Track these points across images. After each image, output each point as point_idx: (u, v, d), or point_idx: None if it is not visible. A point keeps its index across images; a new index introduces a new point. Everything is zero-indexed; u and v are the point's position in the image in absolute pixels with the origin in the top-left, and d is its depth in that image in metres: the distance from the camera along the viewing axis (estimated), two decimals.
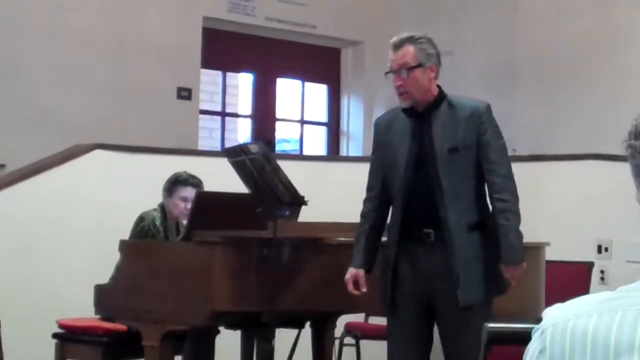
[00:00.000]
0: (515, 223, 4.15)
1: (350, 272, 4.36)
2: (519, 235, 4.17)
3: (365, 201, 4.40)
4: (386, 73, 4.26)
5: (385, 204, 4.34)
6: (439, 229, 4.12)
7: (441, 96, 4.23)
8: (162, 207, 5.63)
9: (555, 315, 1.18)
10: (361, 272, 4.34)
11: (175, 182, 5.59)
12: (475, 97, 4.41)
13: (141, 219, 5.53)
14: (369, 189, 4.41)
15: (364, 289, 4.33)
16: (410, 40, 4.21)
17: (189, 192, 5.55)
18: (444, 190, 4.11)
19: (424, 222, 4.16)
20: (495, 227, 4.16)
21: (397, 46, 4.21)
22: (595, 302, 1.16)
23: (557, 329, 1.16)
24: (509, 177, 4.18)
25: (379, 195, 4.34)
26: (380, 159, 4.36)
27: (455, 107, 4.19)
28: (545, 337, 1.17)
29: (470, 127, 4.15)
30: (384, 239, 4.39)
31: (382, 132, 4.37)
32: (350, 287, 4.34)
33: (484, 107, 4.19)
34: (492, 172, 4.15)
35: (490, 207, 4.21)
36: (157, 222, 5.53)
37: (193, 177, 5.62)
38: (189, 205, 5.55)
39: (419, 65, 4.17)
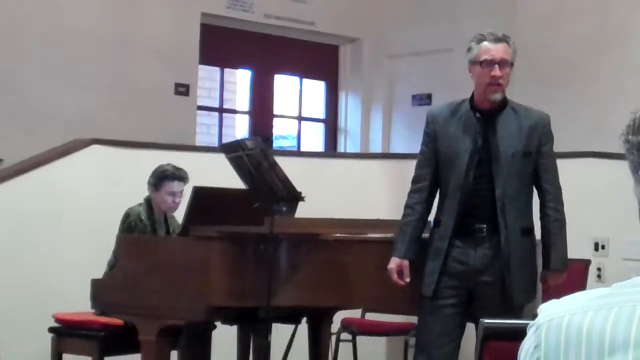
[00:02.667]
0: (565, 233, 4.33)
1: (395, 262, 4.38)
2: (566, 245, 4.34)
3: (412, 192, 4.43)
4: (483, 62, 4.25)
5: (433, 197, 4.40)
6: (492, 225, 4.21)
7: (505, 100, 4.33)
8: (148, 201, 5.63)
9: (551, 311, 1.18)
10: (406, 262, 4.37)
11: (163, 177, 5.59)
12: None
13: (127, 215, 5.55)
14: (417, 180, 4.43)
15: (408, 279, 4.36)
16: (506, 39, 4.31)
17: (177, 187, 5.57)
18: (504, 191, 4.20)
19: (478, 218, 4.25)
20: (545, 234, 4.32)
21: (499, 40, 4.30)
22: (591, 298, 1.16)
23: (552, 325, 1.16)
24: (561, 189, 4.37)
25: (428, 187, 4.39)
26: (433, 151, 4.38)
27: (520, 114, 4.32)
28: (540, 333, 1.17)
29: (533, 135, 4.29)
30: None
31: (440, 125, 4.37)
32: (395, 277, 4.37)
33: (547, 119, 4.38)
34: (549, 181, 4.33)
35: (540, 214, 4.35)
36: (143, 217, 5.55)
37: (179, 169, 5.64)
38: (177, 199, 5.58)
39: (512, 64, 4.30)
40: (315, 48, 9.65)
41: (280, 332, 4.98)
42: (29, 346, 5.83)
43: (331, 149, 9.69)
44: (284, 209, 4.69)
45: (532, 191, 4.37)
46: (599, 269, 6.32)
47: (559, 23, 8.33)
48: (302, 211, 4.93)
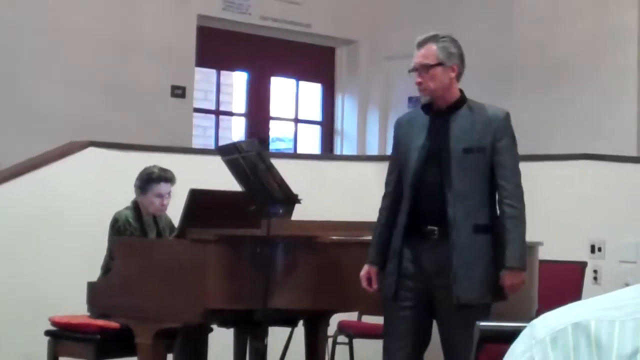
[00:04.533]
0: (523, 231, 4.21)
1: (364, 269, 4.39)
2: (524, 243, 4.23)
3: (383, 198, 4.45)
4: (409, 71, 4.32)
5: (399, 201, 4.37)
6: (444, 227, 4.16)
7: (462, 99, 4.31)
8: (135, 204, 5.62)
9: (550, 324, 1.15)
10: (374, 269, 4.37)
11: (149, 180, 5.58)
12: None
13: (115, 220, 5.54)
14: (386, 185, 4.46)
15: (375, 286, 4.36)
16: (434, 39, 4.29)
17: (164, 188, 5.56)
18: (454, 188, 4.16)
19: (430, 219, 4.21)
20: (500, 231, 4.20)
21: (421, 44, 4.30)
22: (592, 310, 1.14)
23: (559, 337, 1.13)
24: (520, 185, 4.26)
25: (393, 192, 4.39)
26: (397, 156, 4.39)
27: (475, 111, 4.28)
28: (545, 348, 1.14)
29: (487, 131, 4.22)
30: None
31: (402, 129, 4.41)
32: (364, 284, 4.37)
33: (503, 115, 4.29)
34: (504, 178, 4.23)
35: (498, 212, 4.26)
36: (131, 220, 5.53)
37: (165, 171, 5.62)
38: (164, 201, 5.57)
39: (440, 64, 4.25)
40: (312, 50, 9.65)
41: (276, 335, 4.97)
42: (25, 349, 5.82)
43: (328, 151, 9.68)
44: (281, 211, 4.69)
45: (489, 189, 4.26)
46: (595, 272, 6.32)
47: (555, 24, 8.33)
48: (299, 213, 4.93)
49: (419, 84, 4.26)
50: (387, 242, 4.37)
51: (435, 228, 4.18)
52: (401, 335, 4.25)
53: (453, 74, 4.28)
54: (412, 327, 4.24)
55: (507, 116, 4.28)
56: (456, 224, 4.14)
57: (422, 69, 4.25)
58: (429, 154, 4.23)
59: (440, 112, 4.28)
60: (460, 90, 4.33)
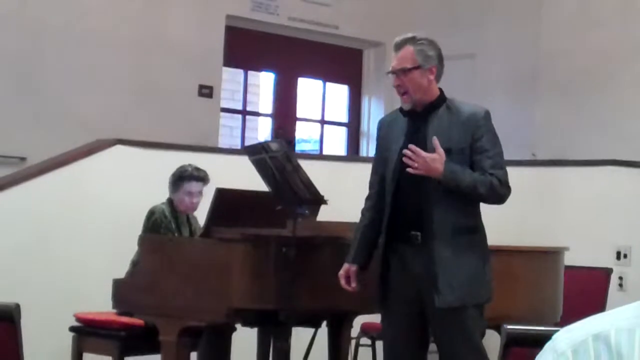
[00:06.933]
0: (484, 188, 4.06)
1: (344, 268, 4.36)
2: (469, 185, 4.05)
3: (366, 199, 4.43)
4: (387, 73, 4.32)
5: (382, 203, 4.31)
6: (426, 231, 4.10)
7: (441, 99, 4.25)
8: (170, 201, 5.66)
9: (571, 336, 1.15)
10: (353, 267, 4.34)
11: (181, 177, 5.62)
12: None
13: (152, 212, 5.57)
14: (369, 187, 4.43)
15: (354, 285, 4.33)
16: (411, 41, 4.26)
17: (194, 187, 5.59)
18: (433, 189, 4.09)
19: (411, 222, 4.15)
20: (484, 234, 4.17)
21: (398, 46, 4.28)
22: (613, 320, 1.14)
23: (579, 350, 1.13)
24: (506, 184, 4.13)
25: (376, 193, 4.36)
26: (380, 158, 4.37)
27: (453, 111, 4.20)
28: (567, 359, 1.14)
29: (465, 130, 4.14)
30: None
31: (384, 131, 4.39)
32: (342, 282, 4.34)
33: (482, 113, 4.18)
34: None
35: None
36: (167, 214, 5.57)
37: (198, 170, 5.65)
38: (194, 200, 5.60)
39: (417, 67, 4.21)
40: (339, 52, 9.66)
41: (300, 336, 4.98)
42: (51, 345, 5.85)
43: (353, 152, 9.69)
44: (307, 211, 4.70)
45: None
46: (620, 278, 6.29)
47: (583, 31, 8.31)
48: (324, 214, 4.94)
49: (398, 86, 4.23)
50: (369, 243, 4.35)
51: (418, 233, 4.12)
52: (397, 341, 4.23)
53: (432, 76, 4.23)
54: (408, 332, 4.19)
55: (487, 114, 4.18)
56: (435, 225, 4.07)
57: (400, 72, 4.23)
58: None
59: (418, 113, 4.24)
60: (440, 90, 4.27)
